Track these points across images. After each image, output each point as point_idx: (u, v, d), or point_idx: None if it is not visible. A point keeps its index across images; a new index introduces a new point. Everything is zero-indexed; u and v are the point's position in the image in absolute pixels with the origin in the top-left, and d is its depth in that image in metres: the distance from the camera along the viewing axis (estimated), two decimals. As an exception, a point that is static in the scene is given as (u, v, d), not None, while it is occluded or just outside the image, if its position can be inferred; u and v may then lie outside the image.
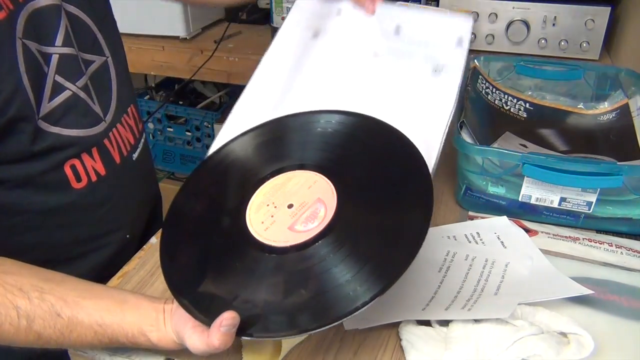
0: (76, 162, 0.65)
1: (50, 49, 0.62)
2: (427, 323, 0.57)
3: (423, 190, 0.50)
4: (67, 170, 0.64)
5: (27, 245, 0.64)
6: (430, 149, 0.57)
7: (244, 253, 0.51)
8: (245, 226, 0.53)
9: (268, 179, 0.57)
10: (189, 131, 1.70)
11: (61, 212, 0.66)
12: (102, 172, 0.68)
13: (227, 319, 0.46)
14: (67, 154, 0.64)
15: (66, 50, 0.64)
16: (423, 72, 0.66)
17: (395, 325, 0.57)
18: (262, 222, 0.53)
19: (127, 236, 0.75)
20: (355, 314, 0.44)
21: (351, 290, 0.45)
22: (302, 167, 0.57)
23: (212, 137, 1.67)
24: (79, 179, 0.66)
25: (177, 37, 1.45)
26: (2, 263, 0.53)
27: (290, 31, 0.73)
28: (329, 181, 0.54)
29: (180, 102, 1.73)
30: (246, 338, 0.48)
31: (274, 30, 1.45)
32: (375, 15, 0.69)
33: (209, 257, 0.53)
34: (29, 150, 0.60)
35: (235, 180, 0.59)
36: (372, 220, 0.51)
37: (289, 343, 0.54)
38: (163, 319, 0.52)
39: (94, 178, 0.67)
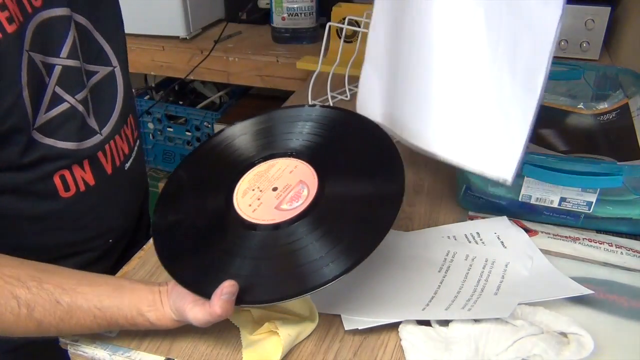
0: (66, 172, 0.65)
1: (55, 60, 0.62)
2: (427, 323, 0.57)
3: (394, 177, 0.56)
4: (57, 180, 0.64)
5: (10, 247, 0.64)
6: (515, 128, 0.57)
7: (234, 232, 0.56)
8: (234, 209, 0.57)
9: (252, 166, 0.62)
10: (189, 131, 1.70)
11: (47, 219, 0.66)
12: (92, 182, 0.68)
13: (227, 287, 0.50)
14: (58, 165, 0.64)
15: (70, 62, 0.64)
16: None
17: (395, 325, 0.57)
18: (250, 205, 0.57)
19: (110, 241, 0.75)
20: (325, 286, 0.50)
21: (324, 265, 0.51)
22: (283, 155, 0.62)
23: (212, 137, 1.67)
24: (67, 189, 0.65)
25: (177, 37, 1.46)
26: None
27: None
28: (309, 165, 0.60)
29: (180, 102, 1.73)
30: (245, 307, 0.53)
31: (274, 30, 1.45)
32: None
33: (202, 239, 0.57)
34: (19, 160, 0.60)
35: (222, 168, 0.64)
36: (347, 202, 0.56)
37: (289, 343, 0.54)
38: (160, 300, 0.54)
39: (82, 188, 0.67)
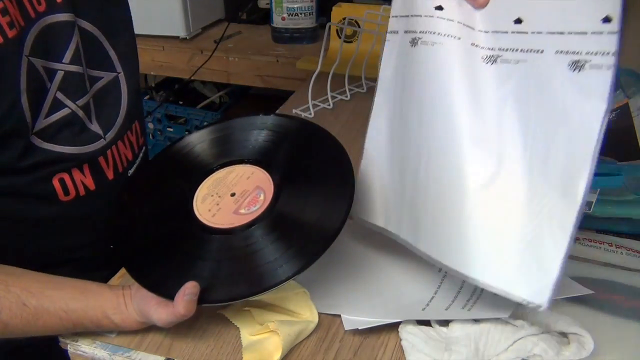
0: (65, 175, 0.64)
1: (57, 65, 0.62)
2: (427, 323, 0.57)
3: (344, 184, 0.58)
4: (56, 183, 0.64)
5: (9, 250, 0.64)
6: (575, 169, 0.46)
7: (194, 236, 0.58)
8: (194, 214, 0.60)
9: (211, 173, 0.64)
10: (188, 131, 1.70)
11: (47, 222, 0.66)
12: (92, 187, 0.68)
13: (190, 288, 0.52)
14: (57, 168, 0.63)
15: (73, 67, 0.63)
16: (558, 70, 0.47)
17: (395, 325, 0.57)
18: (209, 210, 0.60)
19: (111, 246, 0.75)
20: (277, 287, 0.52)
21: (278, 266, 0.53)
22: (240, 162, 0.65)
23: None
24: (67, 192, 0.65)
25: (177, 37, 1.46)
26: None
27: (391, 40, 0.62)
28: (265, 172, 0.62)
29: (180, 102, 1.73)
30: (206, 306, 0.55)
31: (274, 30, 1.45)
32: (487, 7, 0.52)
33: (163, 243, 0.60)
34: (16, 164, 0.59)
35: (182, 175, 0.66)
36: (300, 207, 0.58)
37: (289, 343, 0.54)
38: (124, 303, 0.56)
39: (82, 192, 0.67)
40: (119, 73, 0.71)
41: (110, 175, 0.70)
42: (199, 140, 0.69)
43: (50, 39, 0.61)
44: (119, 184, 0.71)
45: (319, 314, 0.58)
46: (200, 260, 0.56)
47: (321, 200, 0.58)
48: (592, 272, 0.64)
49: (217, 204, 0.60)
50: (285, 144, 0.66)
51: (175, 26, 1.44)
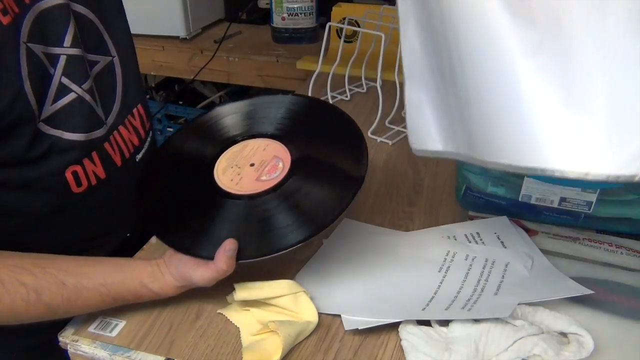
0: (77, 168, 0.65)
1: (58, 50, 0.62)
2: (427, 323, 0.57)
3: (358, 160, 0.61)
4: (69, 175, 0.64)
5: (25, 245, 0.64)
6: None
7: (220, 203, 0.62)
8: (217, 185, 0.64)
9: (227, 148, 0.68)
10: (189, 131, 1.70)
11: (60, 215, 0.66)
12: (102, 175, 0.68)
13: (229, 244, 0.56)
14: (68, 158, 0.63)
15: (74, 51, 0.63)
16: None
17: (395, 325, 0.57)
18: (232, 180, 0.64)
19: (128, 235, 0.75)
20: (287, 250, 0.57)
21: (289, 232, 0.58)
22: (253, 136, 0.69)
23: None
24: (79, 184, 0.65)
25: (177, 37, 1.46)
26: None
27: None
28: (280, 143, 0.66)
29: (180, 102, 1.73)
30: (242, 262, 0.58)
31: (274, 30, 1.45)
32: None
33: (193, 211, 0.63)
34: (26, 154, 0.59)
35: (201, 150, 0.70)
36: (314, 177, 0.62)
37: (289, 343, 0.54)
38: (159, 271, 0.58)
39: (94, 182, 0.67)
40: (113, 57, 0.71)
41: (118, 161, 0.70)
42: (217, 117, 0.73)
43: (48, 24, 0.61)
44: (128, 170, 0.72)
45: (319, 314, 0.58)
46: (228, 223, 0.60)
47: (334, 175, 0.62)
48: (592, 272, 0.64)
49: (239, 174, 0.64)
50: (301, 120, 0.69)
51: (175, 26, 1.44)
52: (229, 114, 0.73)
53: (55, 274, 0.55)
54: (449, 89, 0.53)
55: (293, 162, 0.63)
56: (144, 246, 0.71)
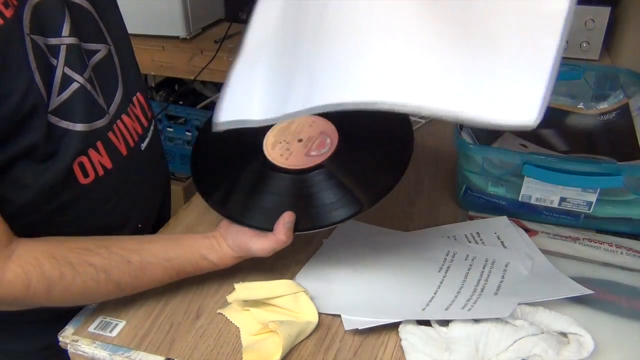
0: (83, 158, 0.64)
1: (57, 40, 0.61)
2: (427, 323, 0.57)
3: (404, 144, 0.63)
4: (75, 167, 0.64)
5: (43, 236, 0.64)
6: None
7: (272, 177, 0.64)
8: (269, 160, 0.65)
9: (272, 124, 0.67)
10: (189, 131, 1.70)
11: (68, 208, 0.66)
12: (109, 165, 0.67)
13: (288, 217, 0.59)
14: (74, 149, 0.63)
15: (72, 40, 0.63)
16: None
17: (395, 325, 0.57)
18: (282, 155, 0.65)
19: (139, 226, 0.75)
20: (334, 225, 0.61)
21: (333, 209, 0.60)
22: None
23: (212, 137, 1.67)
24: (86, 175, 0.65)
25: (177, 37, 1.45)
26: (49, 239, 0.58)
27: None
28: (325, 119, 0.67)
29: (180, 102, 1.73)
30: (299, 234, 0.60)
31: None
32: None
33: (247, 185, 0.65)
34: (42, 147, 0.59)
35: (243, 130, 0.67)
36: (361, 154, 0.64)
37: (289, 343, 0.54)
38: (217, 242, 0.61)
39: (101, 172, 0.66)
40: (110, 46, 0.71)
41: (123, 150, 0.70)
42: None
43: (45, 15, 0.60)
44: (134, 159, 0.71)
45: (319, 314, 0.58)
46: (280, 196, 0.62)
47: (379, 157, 0.63)
48: (592, 272, 0.64)
49: (288, 149, 0.65)
50: None
51: (175, 26, 1.43)
52: None
53: (120, 252, 0.58)
54: (301, 48, 0.52)
55: (340, 139, 0.64)
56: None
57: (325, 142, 0.65)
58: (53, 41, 0.61)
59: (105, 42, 0.70)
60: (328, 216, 0.60)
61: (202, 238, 0.62)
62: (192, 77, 1.45)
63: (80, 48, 0.65)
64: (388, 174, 0.61)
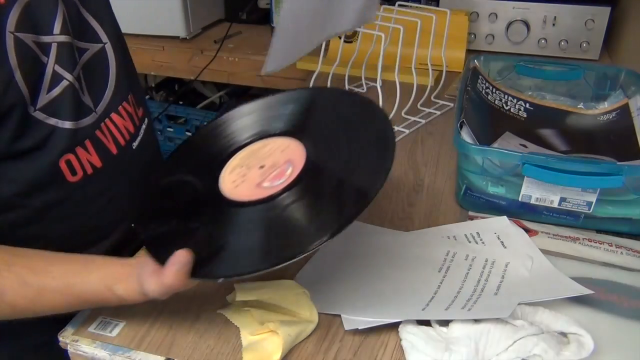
0: (71, 157, 0.64)
1: (48, 38, 0.61)
2: (427, 323, 0.57)
3: (381, 158, 0.54)
4: (63, 165, 0.64)
5: (28, 239, 0.64)
6: None
7: (206, 204, 0.58)
8: (217, 185, 0.59)
9: (249, 144, 0.64)
10: (189, 131, 1.70)
11: (57, 206, 0.65)
12: (99, 164, 0.67)
13: (179, 256, 0.48)
14: (61, 147, 0.63)
15: (63, 38, 0.63)
16: None
17: (395, 325, 0.57)
18: (234, 181, 0.59)
19: (132, 225, 0.75)
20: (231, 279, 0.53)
21: (243, 257, 0.52)
22: (276, 135, 0.63)
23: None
24: (74, 173, 0.65)
25: (177, 37, 1.45)
26: None
27: None
28: (300, 144, 0.59)
29: (181, 102, 1.73)
30: (197, 280, 0.51)
31: (274, 31, 1.45)
32: None
33: (180, 210, 0.59)
34: (23, 143, 0.59)
35: (217, 147, 0.66)
36: (313, 194, 0.55)
37: (289, 343, 0.54)
38: (131, 272, 0.52)
39: (89, 171, 0.66)
40: (105, 43, 0.71)
41: (113, 149, 0.69)
42: (239, 116, 0.69)
43: (37, 13, 0.60)
44: (125, 158, 0.71)
45: (319, 314, 0.58)
46: (206, 229, 0.55)
47: (342, 189, 0.55)
48: (592, 272, 0.64)
49: (243, 175, 0.59)
50: (326, 116, 0.64)
51: (175, 26, 1.44)
52: (252, 112, 0.69)
53: (20, 272, 0.53)
54: None
55: (301, 172, 0.56)
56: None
57: (284, 173, 0.56)
58: (45, 39, 0.61)
59: (98, 41, 0.70)
60: (225, 267, 0.51)
61: (118, 265, 0.54)
62: (192, 77, 1.45)
63: (73, 46, 0.65)
64: (321, 226, 0.51)
